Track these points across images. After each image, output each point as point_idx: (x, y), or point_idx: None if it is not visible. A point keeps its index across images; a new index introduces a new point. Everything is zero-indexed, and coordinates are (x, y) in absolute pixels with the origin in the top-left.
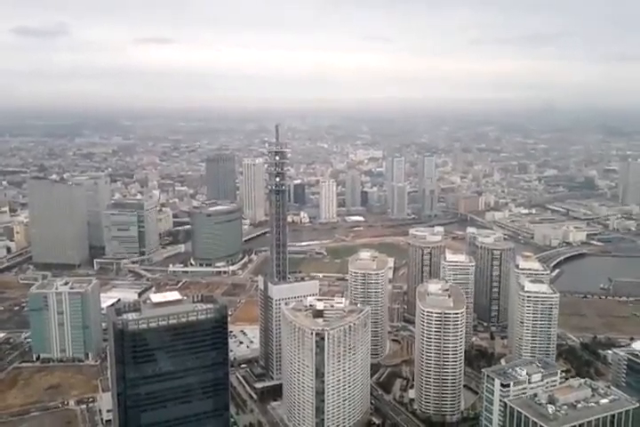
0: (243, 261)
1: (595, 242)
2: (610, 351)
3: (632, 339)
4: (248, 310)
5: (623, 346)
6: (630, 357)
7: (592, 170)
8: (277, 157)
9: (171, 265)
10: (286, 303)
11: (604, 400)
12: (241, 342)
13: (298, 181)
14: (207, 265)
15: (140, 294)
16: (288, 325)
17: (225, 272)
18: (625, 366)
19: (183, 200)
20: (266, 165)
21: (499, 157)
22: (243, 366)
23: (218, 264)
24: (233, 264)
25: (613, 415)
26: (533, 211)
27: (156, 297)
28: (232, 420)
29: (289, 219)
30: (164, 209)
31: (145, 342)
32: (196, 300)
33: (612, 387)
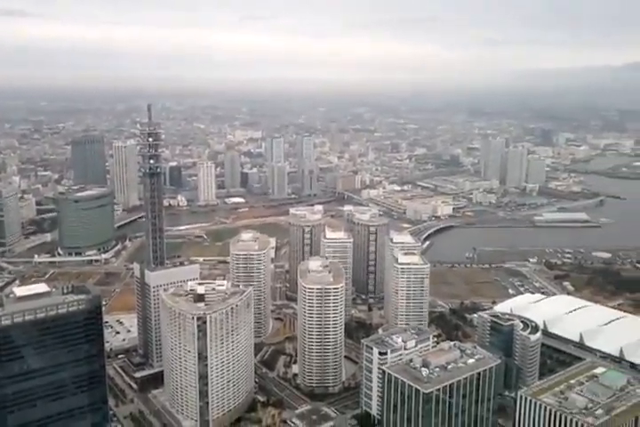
0: (116, 249)
1: (460, 215)
2: (475, 315)
3: (494, 302)
4: (124, 298)
5: (487, 309)
6: (493, 318)
7: (457, 148)
8: (151, 139)
9: (36, 256)
10: (165, 290)
11: (471, 360)
12: (117, 332)
13: (174, 164)
14: (77, 254)
15: (1, 289)
16: (168, 311)
17: (97, 261)
18: (489, 328)
19: (47, 186)
20: (138, 147)
21: (373, 136)
22: (120, 356)
23: (89, 253)
24: (105, 252)
25: (479, 373)
26: (405, 188)
27: (21, 290)
28: (111, 412)
29: (165, 202)
30: (25, 196)
31: (9, 338)
32: (66, 291)
33: (477, 347)
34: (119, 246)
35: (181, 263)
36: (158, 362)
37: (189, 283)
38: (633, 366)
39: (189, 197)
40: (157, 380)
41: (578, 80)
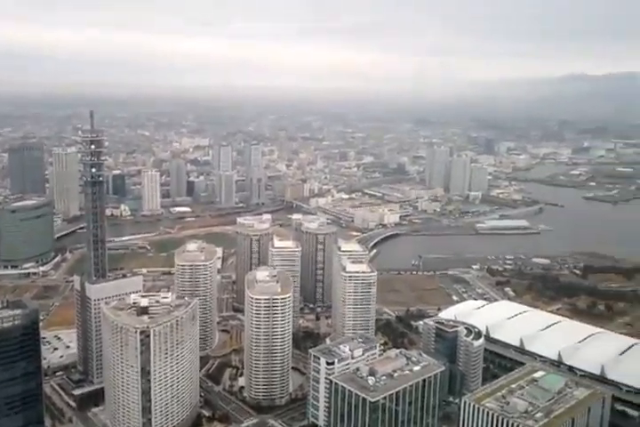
0: (55, 261)
1: (406, 223)
2: (420, 322)
3: (439, 309)
4: (63, 313)
5: (432, 316)
6: (437, 325)
7: (403, 157)
8: (93, 146)
9: None
10: (107, 303)
11: (417, 367)
12: (56, 349)
13: (117, 172)
14: (13, 267)
15: None
16: (109, 325)
17: (35, 274)
18: (433, 334)
19: None
20: (80, 155)
21: (321, 145)
22: (59, 373)
23: (26, 265)
24: (44, 264)
25: (424, 380)
26: (353, 196)
27: None
28: None
29: (108, 212)
30: None
31: None
32: (1, 306)
33: (423, 354)
34: (58, 258)
35: (124, 275)
36: (99, 378)
37: (132, 295)
38: (570, 369)
39: (133, 206)
40: (98, 397)
41: (520, 90)
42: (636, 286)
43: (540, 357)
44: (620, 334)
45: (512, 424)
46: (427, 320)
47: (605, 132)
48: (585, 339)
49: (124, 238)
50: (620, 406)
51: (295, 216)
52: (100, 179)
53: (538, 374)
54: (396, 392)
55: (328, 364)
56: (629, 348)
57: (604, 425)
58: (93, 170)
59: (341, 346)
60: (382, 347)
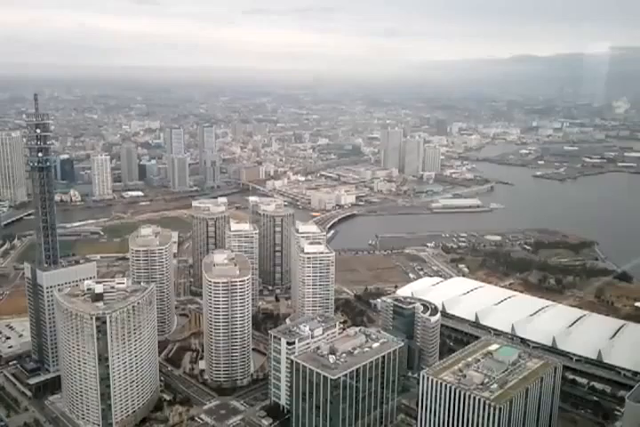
0: (3, 249)
1: (362, 203)
2: (379, 300)
3: (396, 287)
4: (14, 301)
5: (389, 294)
6: (395, 303)
7: (358, 138)
8: (38, 130)
9: None
10: (60, 290)
11: (376, 344)
12: (8, 338)
13: (65, 156)
14: None
15: None
16: (63, 312)
17: None
18: (391, 312)
19: None
20: (25, 139)
21: (276, 127)
22: (12, 363)
23: None
24: None
25: (384, 356)
26: (309, 178)
27: None
28: (2, 424)
29: (57, 198)
30: None
31: None
32: None
33: (381, 331)
34: (7, 246)
35: (77, 262)
36: (55, 367)
37: (86, 282)
38: (523, 341)
39: (83, 191)
40: (54, 385)
41: (469, 71)
42: (584, 260)
43: (495, 330)
44: (570, 306)
45: (469, 396)
46: (384, 298)
47: (552, 111)
48: (536, 312)
49: (75, 224)
50: (570, 375)
51: (252, 199)
52: (48, 164)
53: (492, 347)
54: (357, 369)
55: (288, 344)
56: (578, 319)
57: (556, 393)
58: (40, 155)
59: (301, 326)
60: (342, 325)
